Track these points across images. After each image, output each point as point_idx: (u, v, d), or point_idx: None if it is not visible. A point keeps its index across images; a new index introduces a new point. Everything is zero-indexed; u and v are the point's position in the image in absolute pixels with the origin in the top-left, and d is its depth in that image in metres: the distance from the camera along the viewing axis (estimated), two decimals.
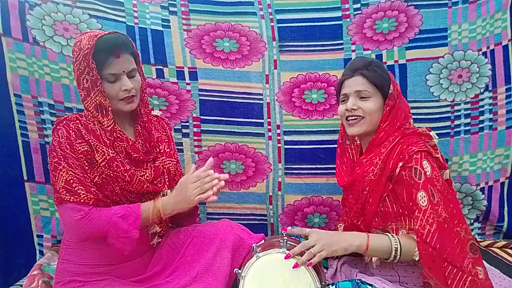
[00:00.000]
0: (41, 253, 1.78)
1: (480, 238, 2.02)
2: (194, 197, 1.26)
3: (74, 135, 1.27)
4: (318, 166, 1.98)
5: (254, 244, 1.29)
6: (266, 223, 2.04)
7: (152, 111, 1.53)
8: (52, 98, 1.75)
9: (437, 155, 1.33)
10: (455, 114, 1.95)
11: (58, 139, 1.26)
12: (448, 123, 1.95)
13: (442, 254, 1.18)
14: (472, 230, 2.03)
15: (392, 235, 1.27)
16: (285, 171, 1.99)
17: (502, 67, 1.92)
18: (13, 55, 1.66)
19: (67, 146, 1.25)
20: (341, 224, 1.51)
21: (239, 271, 1.23)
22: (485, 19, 1.89)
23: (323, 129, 1.96)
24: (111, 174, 1.28)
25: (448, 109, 1.95)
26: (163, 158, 1.44)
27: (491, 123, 1.96)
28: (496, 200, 2.00)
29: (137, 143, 1.40)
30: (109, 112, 1.31)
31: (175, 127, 1.94)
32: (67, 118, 1.31)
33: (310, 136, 1.97)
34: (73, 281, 1.30)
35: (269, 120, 1.97)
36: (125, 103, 1.33)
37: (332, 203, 1.99)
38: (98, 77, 1.26)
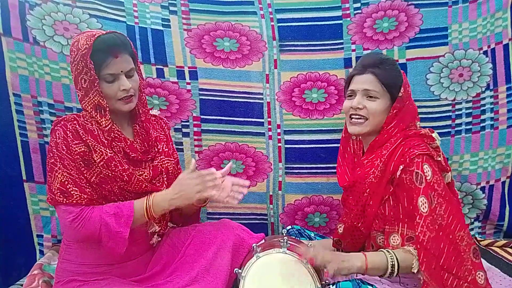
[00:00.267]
0: (41, 253, 1.79)
1: (480, 237, 2.02)
2: (194, 194, 1.26)
3: (71, 136, 1.26)
4: (319, 165, 1.97)
5: (254, 244, 1.29)
6: (267, 222, 2.04)
7: (150, 111, 1.53)
8: (52, 97, 1.75)
9: (439, 158, 1.31)
10: (456, 113, 1.95)
11: (55, 140, 1.26)
12: (449, 122, 1.95)
13: (439, 261, 1.17)
14: (472, 229, 2.03)
15: (388, 251, 1.23)
16: (286, 170, 1.99)
17: (502, 66, 1.92)
18: (13, 55, 1.66)
19: (64, 147, 1.25)
20: (340, 224, 1.49)
21: (240, 271, 1.23)
22: (486, 18, 1.88)
23: (323, 128, 1.96)
24: (109, 174, 1.28)
25: (449, 108, 1.94)
26: (161, 157, 1.44)
27: (492, 122, 1.96)
28: (497, 199, 2.00)
29: (135, 142, 1.39)
30: (107, 112, 1.31)
31: (175, 126, 1.94)
32: (65, 119, 1.31)
33: (310, 135, 1.97)
34: (73, 280, 1.30)
35: (269, 119, 1.97)
36: (123, 103, 1.32)
37: (332, 202, 1.99)
38: (96, 77, 1.26)
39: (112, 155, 1.29)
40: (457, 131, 1.96)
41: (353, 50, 1.94)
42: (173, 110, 1.93)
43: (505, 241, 1.93)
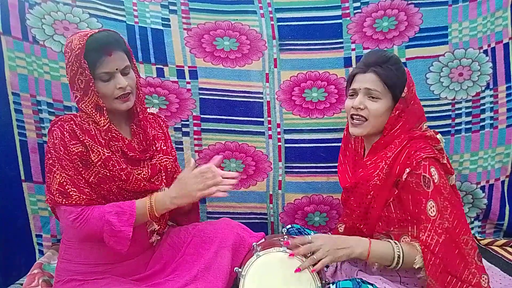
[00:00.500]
0: (41, 252, 1.78)
1: (480, 237, 2.02)
2: (196, 193, 1.25)
3: (68, 136, 1.26)
4: (319, 164, 1.97)
5: (254, 243, 1.28)
6: (267, 222, 2.04)
7: (148, 109, 1.52)
8: (51, 97, 1.75)
9: (444, 161, 1.30)
10: (456, 112, 1.95)
11: (52, 140, 1.26)
12: (448, 122, 1.95)
13: (446, 265, 1.17)
14: (472, 228, 2.03)
15: (395, 242, 1.23)
16: (286, 169, 1.99)
17: (502, 65, 1.92)
18: (12, 54, 1.66)
19: (61, 147, 1.25)
20: (341, 224, 1.49)
21: (240, 270, 1.22)
22: (486, 17, 1.88)
23: (323, 127, 1.96)
24: (107, 174, 1.28)
25: (449, 107, 1.94)
26: (159, 155, 1.43)
27: (492, 122, 1.96)
28: (497, 198, 2.00)
29: (133, 141, 1.39)
30: (104, 112, 1.30)
31: (175, 126, 1.94)
32: (62, 119, 1.30)
33: (310, 134, 1.97)
34: (73, 280, 1.30)
35: (269, 118, 1.97)
36: (121, 102, 1.31)
37: (332, 201, 1.99)
38: (91, 77, 1.25)
39: (110, 154, 1.29)
40: (457, 130, 1.96)
41: (353, 50, 1.94)
42: (173, 109, 1.93)
43: (505, 240, 1.93)
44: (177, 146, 1.93)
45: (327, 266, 1.49)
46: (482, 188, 2.00)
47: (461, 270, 1.18)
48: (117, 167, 1.29)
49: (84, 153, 1.27)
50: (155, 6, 1.90)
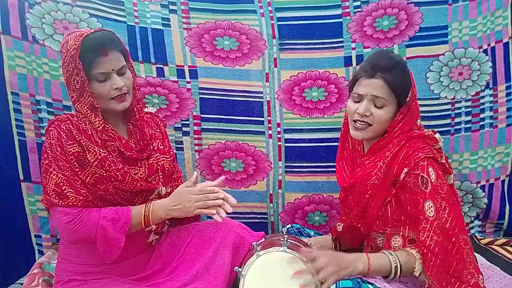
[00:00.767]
0: (40, 252, 1.78)
1: (481, 236, 2.02)
2: (194, 209, 1.26)
3: (65, 136, 1.25)
4: (319, 164, 1.97)
5: (254, 243, 1.28)
6: (267, 221, 2.04)
7: (145, 108, 1.52)
8: (51, 96, 1.75)
9: (443, 161, 1.29)
10: (456, 111, 1.95)
11: (49, 140, 1.26)
12: (448, 121, 1.95)
13: (445, 265, 1.17)
14: (472, 228, 2.03)
15: (390, 253, 1.22)
16: (286, 169, 1.99)
17: (502, 65, 1.92)
18: (12, 53, 1.65)
19: (58, 148, 1.24)
20: (339, 223, 1.49)
21: (240, 269, 1.22)
22: (486, 17, 1.88)
23: (323, 127, 1.96)
24: (104, 174, 1.27)
25: (449, 106, 1.94)
26: (157, 155, 1.42)
27: (491, 121, 1.96)
28: (497, 198, 2.00)
29: (130, 141, 1.38)
30: (98, 113, 1.30)
31: (176, 125, 1.94)
32: (58, 119, 1.29)
33: (311, 134, 1.97)
34: (72, 280, 1.30)
35: (269, 118, 1.97)
36: (117, 102, 1.30)
37: (332, 201, 1.99)
38: (85, 78, 1.24)
39: (106, 154, 1.29)
40: (457, 129, 1.96)
41: (353, 49, 1.94)
42: (173, 109, 1.93)
43: (505, 240, 1.93)
44: (177, 145, 1.93)
45: None
46: (482, 187, 2.00)
47: (459, 270, 1.18)
48: (113, 167, 1.28)
49: (81, 153, 1.26)
50: (155, 6, 1.90)
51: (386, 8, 1.90)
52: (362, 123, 1.34)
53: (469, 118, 1.95)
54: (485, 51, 1.91)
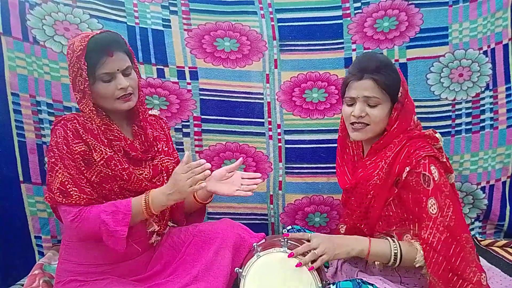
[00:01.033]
0: (40, 253, 1.78)
1: (481, 237, 2.02)
2: (187, 188, 1.23)
3: (71, 135, 1.26)
4: (319, 165, 1.97)
5: (255, 244, 1.28)
6: (267, 222, 2.04)
7: (149, 110, 1.53)
8: (51, 97, 1.75)
9: (444, 160, 1.30)
10: (456, 113, 1.95)
11: (55, 139, 1.26)
12: (449, 122, 1.95)
13: (448, 262, 1.17)
14: (472, 229, 2.03)
15: (393, 240, 1.24)
16: (286, 170, 1.99)
17: (502, 66, 1.92)
18: (12, 54, 1.66)
19: (64, 146, 1.25)
20: (342, 225, 1.48)
21: (240, 270, 1.22)
22: (486, 18, 1.89)
23: (323, 128, 1.96)
24: (110, 173, 1.28)
25: (449, 108, 1.95)
26: (161, 156, 1.44)
27: (492, 122, 1.96)
28: (498, 199, 2.00)
29: (135, 142, 1.39)
30: (101, 113, 1.31)
31: (176, 126, 1.94)
32: (65, 118, 1.31)
33: (311, 135, 1.97)
34: (73, 280, 1.30)
35: (269, 119, 1.97)
36: (122, 102, 1.31)
37: (332, 202, 1.99)
38: (87, 78, 1.25)
39: (112, 154, 1.30)
40: (457, 131, 1.97)
41: (354, 50, 1.94)
42: (174, 110, 1.93)
43: (506, 241, 1.93)
44: (177, 146, 1.93)
45: (327, 267, 1.49)
46: (483, 188, 2.00)
47: (462, 268, 1.18)
48: (119, 166, 1.29)
49: (87, 152, 1.27)
50: (155, 6, 1.90)
51: (387, 9, 1.91)
52: (360, 124, 1.35)
53: (469, 119, 1.95)
54: (485, 52, 1.91)
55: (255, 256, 1.22)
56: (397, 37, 1.92)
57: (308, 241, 1.25)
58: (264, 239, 1.38)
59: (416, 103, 1.90)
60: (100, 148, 1.28)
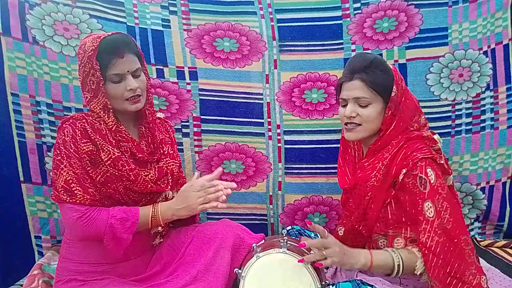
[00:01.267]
0: (40, 254, 1.78)
1: (480, 238, 2.01)
2: (197, 206, 1.28)
3: (80, 134, 1.28)
4: (318, 165, 1.97)
5: (254, 244, 1.28)
6: (266, 223, 2.04)
7: (156, 113, 1.54)
8: (51, 97, 1.75)
9: (442, 161, 1.29)
10: (456, 113, 1.95)
11: (63, 137, 1.28)
12: (449, 123, 1.95)
13: (447, 266, 1.17)
14: (472, 229, 2.03)
15: (393, 251, 1.24)
16: (285, 170, 1.99)
17: (502, 66, 1.92)
18: (12, 54, 1.66)
19: (72, 145, 1.27)
20: (341, 227, 1.48)
21: (239, 271, 1.22)
22: (486, 18, 1.88)
23: (323, 128, 1.96)
24: (116, 173, 1.29)
25: (449, 108, 1.94)
26: (166, 159, 1.45)
27: (492, 123, 1.96)
28: (498, 199, 2.00)
29: (141, 143, 1.41)
30: (111, 114, 1.32)
31: (175, 126, 1.94)
32: (74, 117, 1.32)
33: (310, 135, 1.97)
34: (73, 280, 1.31)
35: (269, 119, 1.97)
36: (131, 103, 1.33)
37: (332, 202, 1.99)
38: (101, 78, 1.27)
39: (119, 154, 1.31)
40: (457, 131, 1.96)
41: (353, 50, 1.94)
42: (173, 110, 1.93)
43: (505, 242, 1.93)
44: (177, 147, 1.93)
45: (326, 268, 1.49)
46: (482, 189, 1.99)
47: (461, 271, 1.18)
48: (126, 167, 1.31)
49: (94, 152, 1.29)
50: (155, 7, 1.90)
51: (386, 10, 1.91)
52: (352, 124, 1.37)
53: (469, 119, 1.95)
54: (485, 52, 1.91)
55: (255, 257, 1.22)
56: (397, 38, 1.92)
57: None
58: (263, 240, 1.38)
59: None
60: (108, 148, 1.29)
